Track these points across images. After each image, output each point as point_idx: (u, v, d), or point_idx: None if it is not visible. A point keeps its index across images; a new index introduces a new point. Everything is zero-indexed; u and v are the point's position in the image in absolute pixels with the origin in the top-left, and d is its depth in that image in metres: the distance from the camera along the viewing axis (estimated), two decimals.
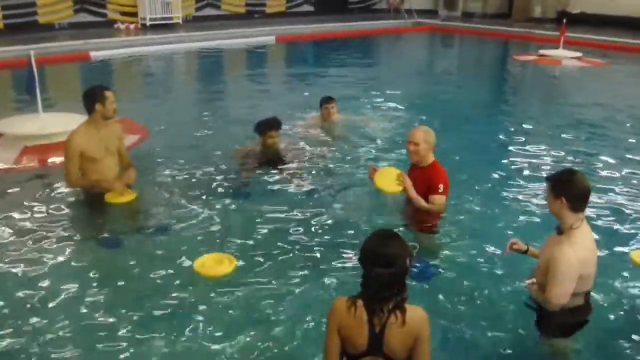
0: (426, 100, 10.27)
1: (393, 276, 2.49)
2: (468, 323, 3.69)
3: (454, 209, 4.96)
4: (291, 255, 4.47)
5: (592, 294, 3.48)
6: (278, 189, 5.65)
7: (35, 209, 5.10)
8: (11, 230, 4.69)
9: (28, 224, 4.80)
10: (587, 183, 3.28)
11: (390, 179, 4.73)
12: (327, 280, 4.10)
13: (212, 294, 3.91)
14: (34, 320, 3.63)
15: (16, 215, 4.95)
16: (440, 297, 3.94)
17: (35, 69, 6.77)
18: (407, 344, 2.57)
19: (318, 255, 4.47)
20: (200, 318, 3.68)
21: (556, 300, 3.23)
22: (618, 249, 4.61)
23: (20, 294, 3.90)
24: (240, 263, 4.22)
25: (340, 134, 7.37)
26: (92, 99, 4.96)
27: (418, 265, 4.17)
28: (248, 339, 3.50)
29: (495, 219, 5.13)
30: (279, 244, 4.60)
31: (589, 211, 4.95)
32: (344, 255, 4.43)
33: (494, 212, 5.27)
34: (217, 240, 4.64)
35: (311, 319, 3.67)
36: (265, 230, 4.82)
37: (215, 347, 3.43)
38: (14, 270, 4.16)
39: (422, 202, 4.62)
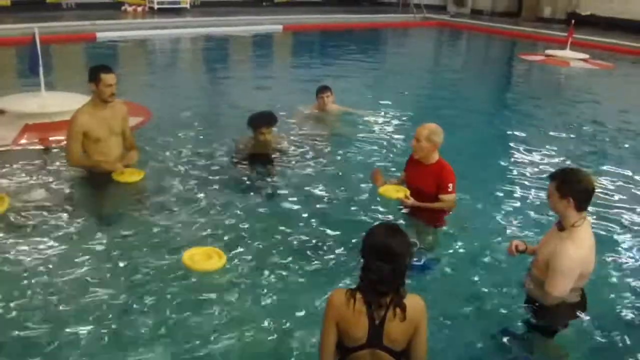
0: (429, 96, 10.22)
1: (393, 272, 2.47)
2: (463, 318, 3.70)
3: (457, 204, 4.95)
4: (283, 254, 4.35)
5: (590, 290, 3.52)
6: (270, 184, 5.51)
7: (34, 186, 5.10)
8: (9, 208, 4.65)
9: (26, 202, 4.80)
10: (593, 182, 3.32)
11: (394, 190, 4.70)
12: (319, 279, 4.03)
13: (200, 288, 3.84)
14: (27, 294, 3.68)
15: (14, 193, 4.94)
16: (438, 291, 3.90)
17: (39, 47, 6.73)
18: (407, 335, 2.56)
19: (310, 254, 4.37)
20: (185, 311, 3.62)
21: (557, 294, 3.28)
22: (622, 248, 4.63)
23: (17, 271, 3.92)
24: (230, 257, 4.13)
25: (334, 126, 7.26)
26: (88, 77, 4.91)
27: (418, 261, 4.15)
28: (233, 333, 3.45)
29: (497, 216, 5.14)
30: (271, 242, 4.51)
31: (593, 212, 4.99)
32: (337, 252, 4.38)
33: (497, 210, 5.26)
34: (207, 233, 4.56)
35: (301, 318, 3.58)
36: (258, 226, 4.72)
37: (198, 341, 3.37)
38: (13, 248, 4.18)
39: (432, 206, 4.58)
